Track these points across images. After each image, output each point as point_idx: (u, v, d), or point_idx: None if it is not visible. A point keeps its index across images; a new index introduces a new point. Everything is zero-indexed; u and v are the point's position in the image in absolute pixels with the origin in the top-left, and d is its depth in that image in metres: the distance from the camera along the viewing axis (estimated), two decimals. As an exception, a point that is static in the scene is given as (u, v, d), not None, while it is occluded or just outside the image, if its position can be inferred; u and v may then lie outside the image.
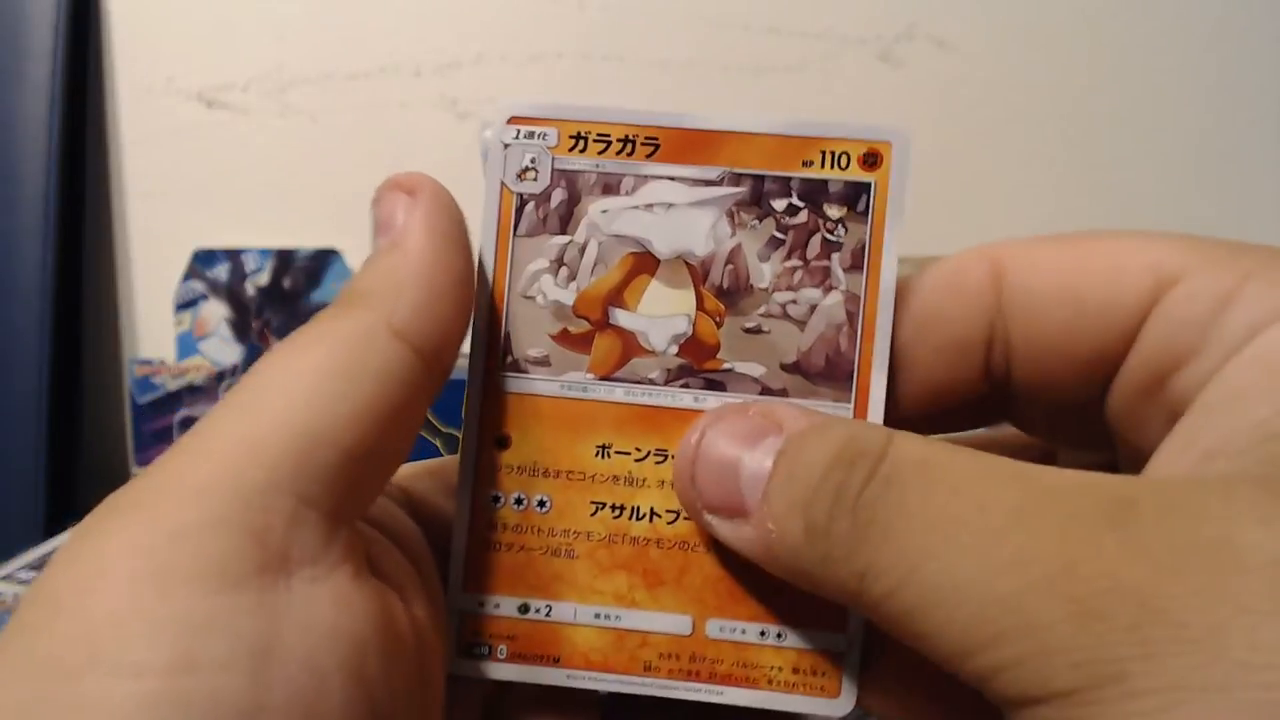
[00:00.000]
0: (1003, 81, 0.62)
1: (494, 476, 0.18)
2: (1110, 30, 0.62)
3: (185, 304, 0.65)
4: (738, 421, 0.16)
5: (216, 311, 0.65)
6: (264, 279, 0.65)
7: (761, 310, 0.18)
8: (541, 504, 0.18)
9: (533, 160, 0.18)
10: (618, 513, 0.18)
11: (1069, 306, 0.16)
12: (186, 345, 0.65)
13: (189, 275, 0.65)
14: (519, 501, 0.18)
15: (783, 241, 0.18)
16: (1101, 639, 0.11)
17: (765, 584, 0.17)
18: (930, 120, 0.63)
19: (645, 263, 0.18)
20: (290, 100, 0.65)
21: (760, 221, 0.18)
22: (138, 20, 0.65)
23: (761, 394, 0.18)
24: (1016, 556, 0.12)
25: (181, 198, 0.66)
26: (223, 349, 0.65)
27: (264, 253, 0.65)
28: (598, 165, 0.18)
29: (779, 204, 0.18)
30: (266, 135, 0.65)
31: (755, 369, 0.18)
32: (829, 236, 0.18)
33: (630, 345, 0.18)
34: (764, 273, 0.18)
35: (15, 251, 0.60)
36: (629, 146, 0.18)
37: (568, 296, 0.18)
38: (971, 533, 0.12)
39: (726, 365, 0.18)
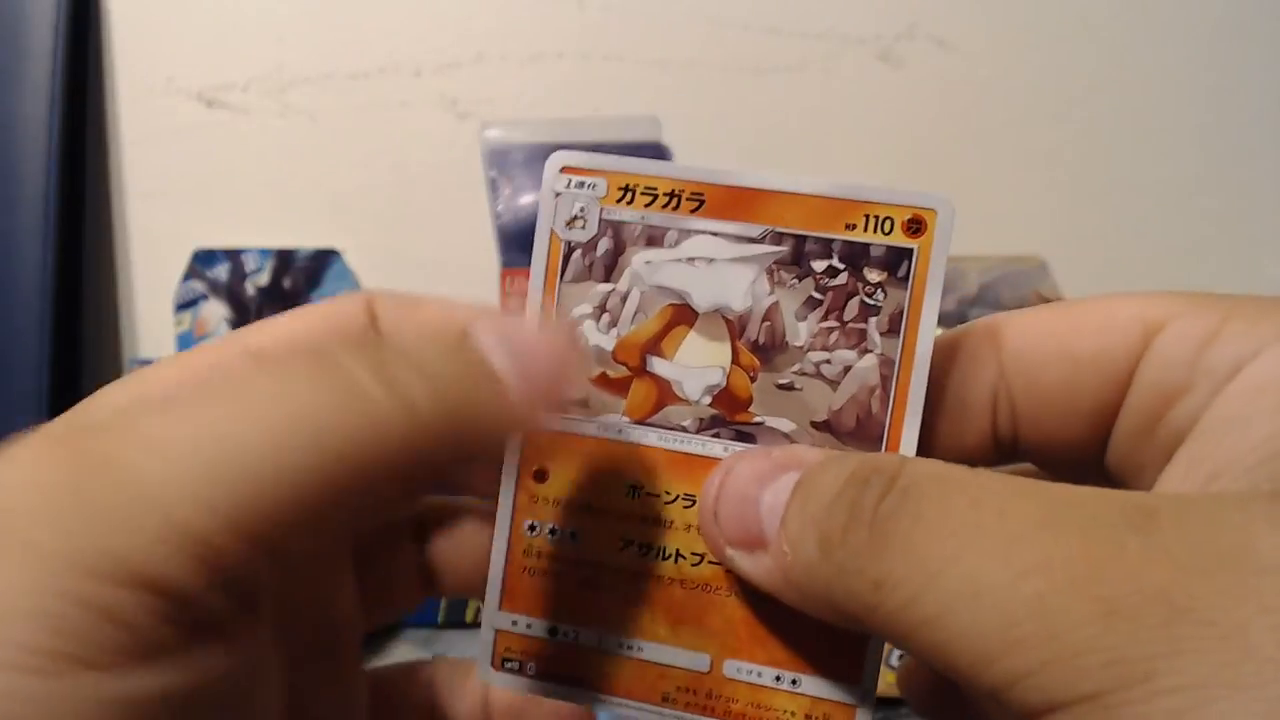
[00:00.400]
0: (1003, 81, 0.62)
1: (531, 506, 0.19)
2: (1111, 30, 0.62)
3: (185, 304, 0.65)
4: (760, 462, 0.16)
5: (216, 311, 0.65)
6: (264, 279, 0.65)
7: (795, 368, 0.18)
8: (574, 536, 0.19)
9: (581, 209, 0.19)
10: (645, 551, 0.19)
11: (1065, 363, 0.17)
12: (186, 345, 0.65)
13: (189, 275, 0.65)
14: (553, 532, 0.19)
15: (820, 302, 0.18)
16: (1130, 637, 0.11)
17: (784, 630, 0.18)
18: (930, 120, 0.63)
19: (684, 314, 0.19)
20: (290, 100, 0.65)
21: (799, 281, 0.18)
22: (138, 20, 0.65)
23: None
24: (1041, 560, 0.12)
25: (181, 197, 0.66)
26: (223, 349, 0.65)
27: (264, 253, 0.65)
28: (643, 217, 0.19)
29: (819, 265, 0.18)
30: (267, 135, 0.65)
31: (785, 424, 0.18)
32: (867, 300, 0.18)
33: (665, 393, 0.19)
34: (800, 331, 0.18)
35: (15, 251, 0.60)
36: (675, 201, 0.19)
37: (608, 342, 0.19)
38: (993, 538, 0.12)
39: (758, 418, 0.18)
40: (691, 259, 0.19)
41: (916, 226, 0.18)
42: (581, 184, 0.19)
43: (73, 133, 0.62)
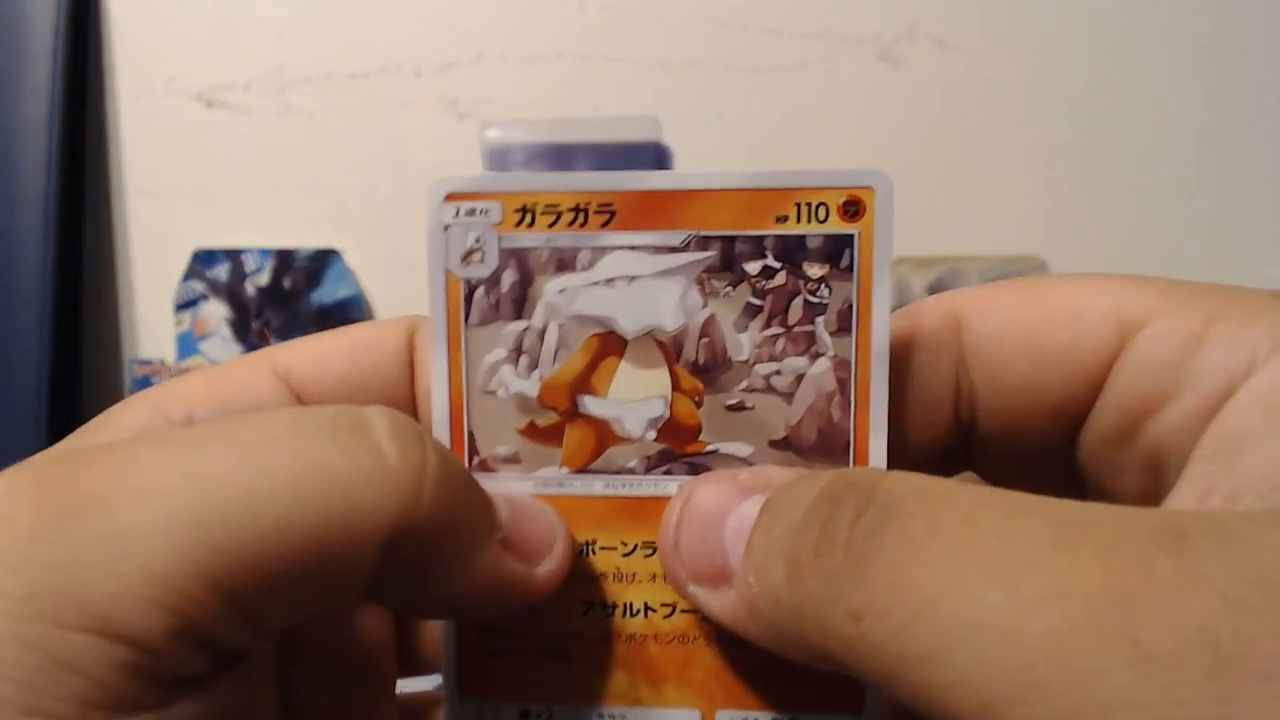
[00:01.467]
0: (1004, 81, 0.62)
1: None
2: (1111, 30, 0.62)
3: (185, 304, 0.65)
4: (724, 486, 0.15)
5: (216, 312, 0.65)
6: (264, 279, 0.65)
7: (743, 385, 0.16)
8: (530, 608, 0.17)
9: (477, 240, 0.17)
10: (609, 611, 0.17)
11: (1031, 356, 0.15)
12: (186, 345, 0.65)
13: (189, 275, 0.65)
14: None
15: (760, 308, 0.16)
16: (1171, 693, 0.09)
17: (773, 670, 0.16)
18: (931, 120, 0.63)
19: (612, 343, 0.17)
20: (290, 100, 0.65)
21: (734, 288, 0.16)
22: (138, 20, 0.65)
23: None
24: (1056, 589, 0.10)
25: (182, 197, 0.66)
26: (223, 349, 0.65)
27: (264, 253, 0.65)
28: (549, 240, 0.17)
29: (753, 266, 0.16)
30: (267, 135, 0.65)
31: (741, 449, 0.16)
32: (811, 298, 0.16)
33: (604, 434, 0.17)
34: (742, 344, 0.16)
35: (15, 251, 0.60)
36: (581, 216, 0.17)
37: (531, 387, 0.17)
38: (996, 562, 0.10)
39: (710, 447, 0.17)
40: (610, 280, 0.17)
41: (854, 209, 0.16)
42: (472, 211, 0.17)
43: (73, 132, 0.62)
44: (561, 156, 0.65)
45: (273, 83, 0.65)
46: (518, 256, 0.17)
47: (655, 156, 0.64)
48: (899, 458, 0.16)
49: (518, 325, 0.17)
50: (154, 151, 0.66)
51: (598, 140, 0.65)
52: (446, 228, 0.17)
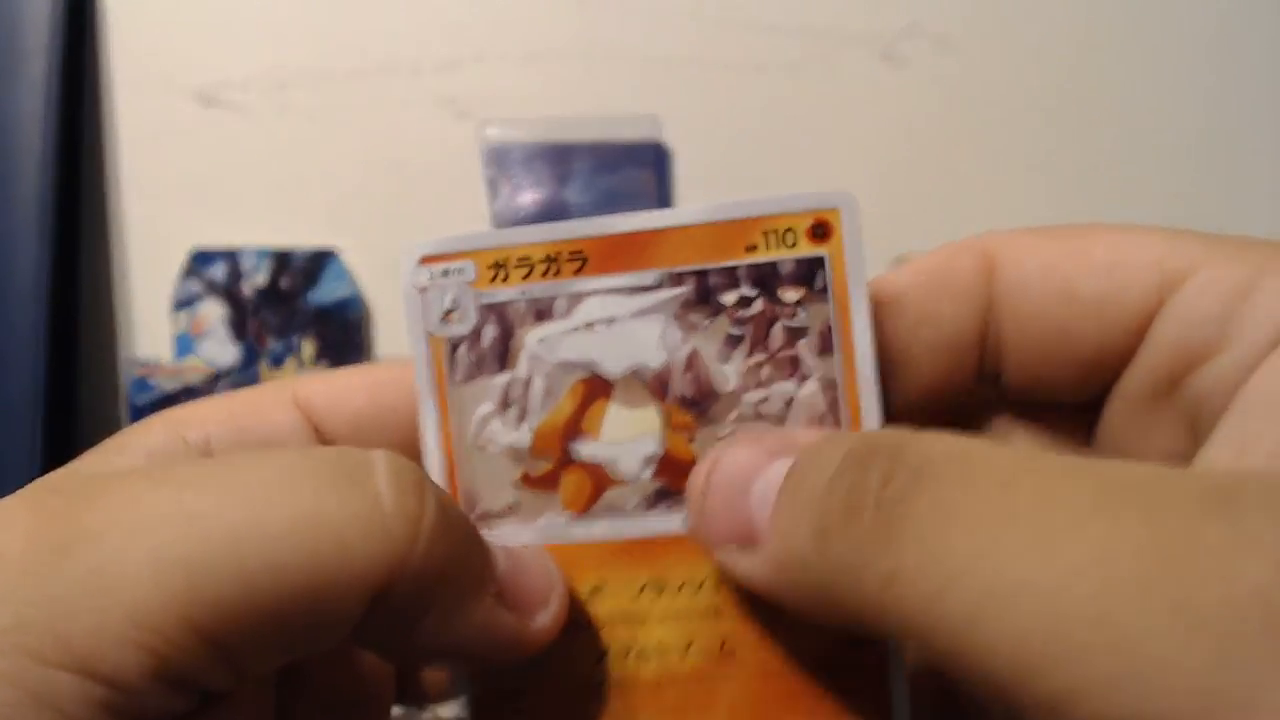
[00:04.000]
0: (1005, 80, 0.62)
1: None
2: (1112, 29, 0.62)
3: (182, 304, 0.65)
4: (750, 449, 0.15)
5: (214, 311, 0.65)
6: (261, 279, 0.65)
7: (734, 415, 0.16)
8: (539, 663, 0.16)
9: (454, 300, 0.17)
10: (623, 657, 0.17)
11: (1067, 305, 0.15)
12: (184, 345, 0.65)
13: (186, 275, 0.65)
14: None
15: (741, 338, 0.17)
16: (1222, 654, 0.09)
17: (793, 694, 0.16)
18: (931, 119, 0.63)
19: (598, 387, 0.17)
20: (288, 99, 0.65)
21: (712, 320, 0.17)
22: (135, 18, 0.65)
23: None
24: (1098, 551, 0.10)
25: (179, 197, 0.66)
26: (220, 349, 0.65)
27: (261, 253, 0.65)
28: (525, 292, 0.17)
29: (729, 297, 0.16)
30: (264, 134, 0.65)
31: None
32: (790, 323, 0.16)
33: (600, 478, 0.17)
34: (728, 374, 0.17)
35: (11, 251, 0.60)
36: (554, 266, 0.17)
37: (522, 438, 0.17)
38: (1035, 527, 0.10)
39: None
40: (589, 324, 0.17)
41: (821, 231, 0.16)
42: (446, 272, 0.17)
43: (69, 131, 0.62)
44: (561, 155, 0.65)
45: (270, 81, 0.65)
46: (496, 311, 0.17)
47: (654, 155, 0.64)
48: (916, 408, 0.16)
49: (503, 378, 0.17)
50: (151, 150, 0.66)
51: (597, 139, 0.65)
52: (423, 290, 0.18)
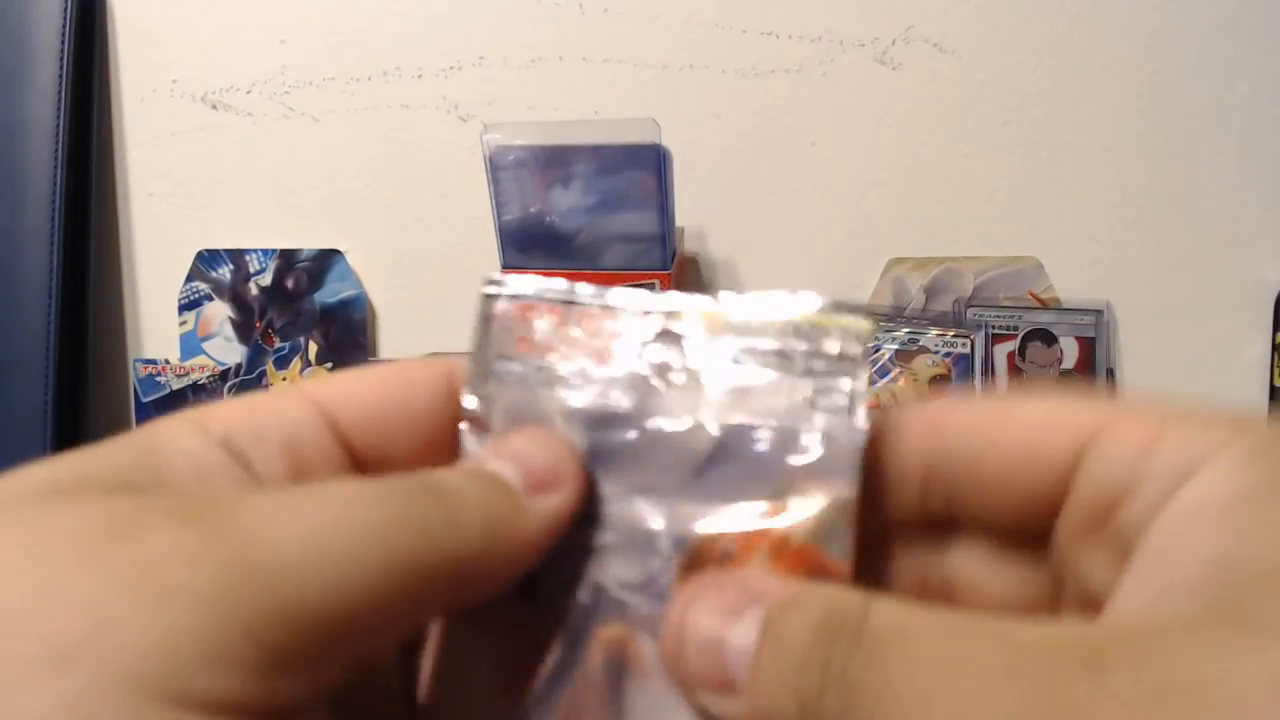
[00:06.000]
0: (999, 84, 0.63)
1: None
2: (1106, 32, 0.62)
3: (189, 304, 0.66)
4: (716, 598, 0.16)
5: (220, 312, 0.66)
6: (267, 279, 0.66)
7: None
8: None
9: None
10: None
11: (1000, 457, 0.17)
12: (190, 345, 0.66)
13: (192, 276, 0.66)
14: None
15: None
16: None
17: None
18: (927, 122, 0.63)
19: None
20: (293, 102, 0.66)
21: None
22: (142, 24, 0.65)
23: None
24: (998, 714, 0.12)
25: (185, 199, 0.67)
26: (226, 349, 0.66)
27: (267, 253, 0.66)
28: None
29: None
30: (270, 137, 0.66)
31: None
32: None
33: None
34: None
35: (22, 252, 0.61)
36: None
37: None
38: (950, 701, 0.13)
39: None
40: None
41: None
42: None
43: (78, 135, 0.63)
44: (562, 158, 0.66)
45: (276, 85, 0.65)
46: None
47: (654, 157, 0.65)
48: (882, 536, 0.18)
49: None
50: (158, 153, 0.67)
51: (598, 142, 0.66)
52: None
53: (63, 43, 0.62)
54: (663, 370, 0.18)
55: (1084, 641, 0.13)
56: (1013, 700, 0.12)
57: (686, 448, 0.17)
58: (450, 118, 0.65)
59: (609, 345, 0.18)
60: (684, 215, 0.60)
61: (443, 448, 0.18)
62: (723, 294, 0.18)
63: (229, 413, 0.17)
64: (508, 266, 0.57)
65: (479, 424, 0.18)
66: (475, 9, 0.64)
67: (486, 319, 0.18)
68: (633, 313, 0.18)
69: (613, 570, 0.17)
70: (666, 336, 0.18)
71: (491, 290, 0.18)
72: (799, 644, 0.15)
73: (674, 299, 0.18)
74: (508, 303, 0.18)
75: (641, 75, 0.64)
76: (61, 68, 0.62)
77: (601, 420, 0.18)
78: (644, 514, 0.17)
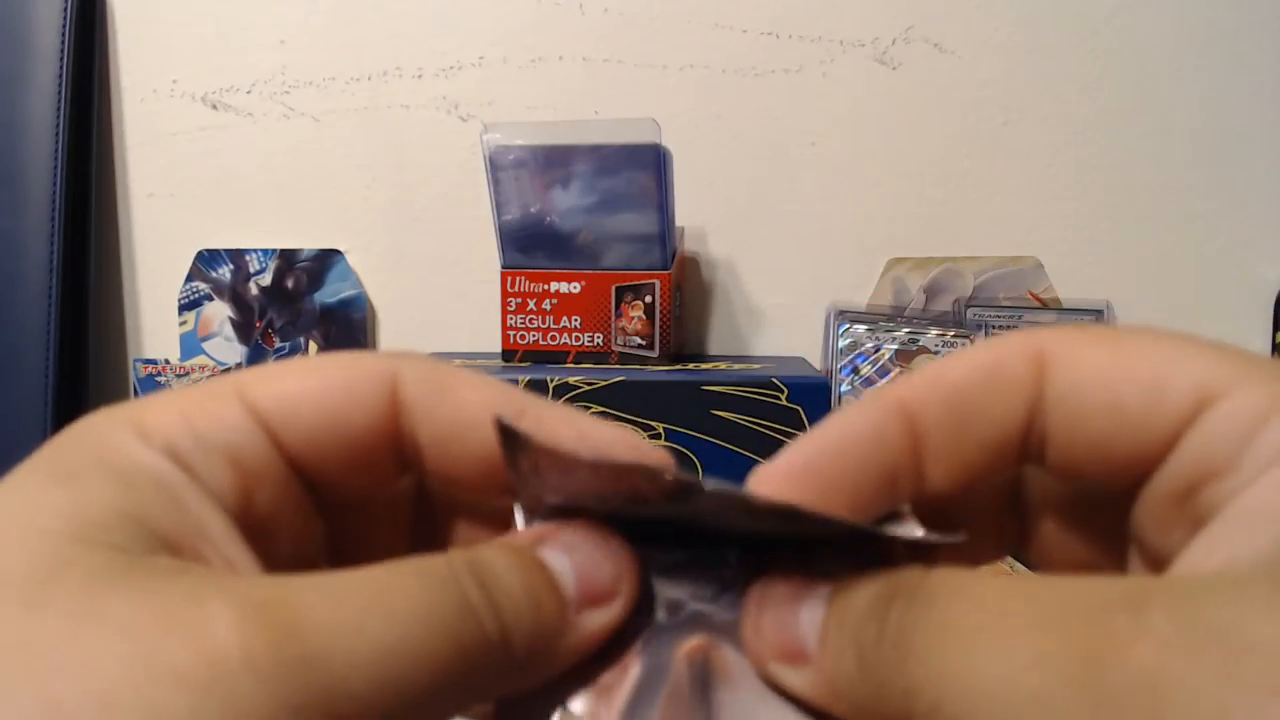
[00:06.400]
0: (999, 83, 0.63)
1: None
2: (1105, 32, 0.62)
3: (189, 304, 0.66)
4: (791, 579, 0.17)
5: (220, 312, 0.66)
6: (267, 279, 0.66)
7: None
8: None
9: None
10: None
11: (1112, 415, 0.16)
12: (190, 345, 0.66)
13: (192, 276, 0.66)
14: None
15: None
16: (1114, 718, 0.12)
17: None
18: (927, 122, 0.63)
19: None
20: (293, 103, 0.66)
21: None
22: (142, 24, 0.65)
23: None
24: (1039, 655, 0.13)
25: (185, 199, 0.67)
26: (226, 349, 0.66)
27: (267, 253, 0.66)
28: None
29: None
30: (270, 137, 0.66)
31: None
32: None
33: None
34: None
35: (22, 252, 0.61)
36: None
37: None
38: (996, 639, 0.13)
39: None
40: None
41: None
42: None
43: (78, 135, 0.63)
44: (562, 158, 0.66)
45: (276, 85, 0.65)
46: None
47: (654, 157, 0.65)
48: (958, 486, 0.17)
49: None
50: (158, 154, 0.67)
51: (598, 142, 0.66)
52: None
53: (63, 43, 0.62)
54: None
55: (1130, 589, 0.13)
56: (1054, 635, 0.13)
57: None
58: (450, 118, 0.65)
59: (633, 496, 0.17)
60: (684, 215, 0.60)
61: (381, 456, 0.17)
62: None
63: (165, 419, 0.16)
64: (508, 266, 0.57)
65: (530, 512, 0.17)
66: (475, 9, 0.64)
67: (515, 465, 0.17)
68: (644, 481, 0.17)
69: (687, 585, 0.18)
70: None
71: (511, 441, 0.17)
72: (861, 607, 0.15)
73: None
74: (526, 453, 0.17)
75: (641, 75, 0.64)
76: (61, 68, 0.62)
77: (647, 525, 0.17)
78: (711, 539, 0.18)
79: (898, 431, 0.17)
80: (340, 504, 0.18)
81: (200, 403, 0.16)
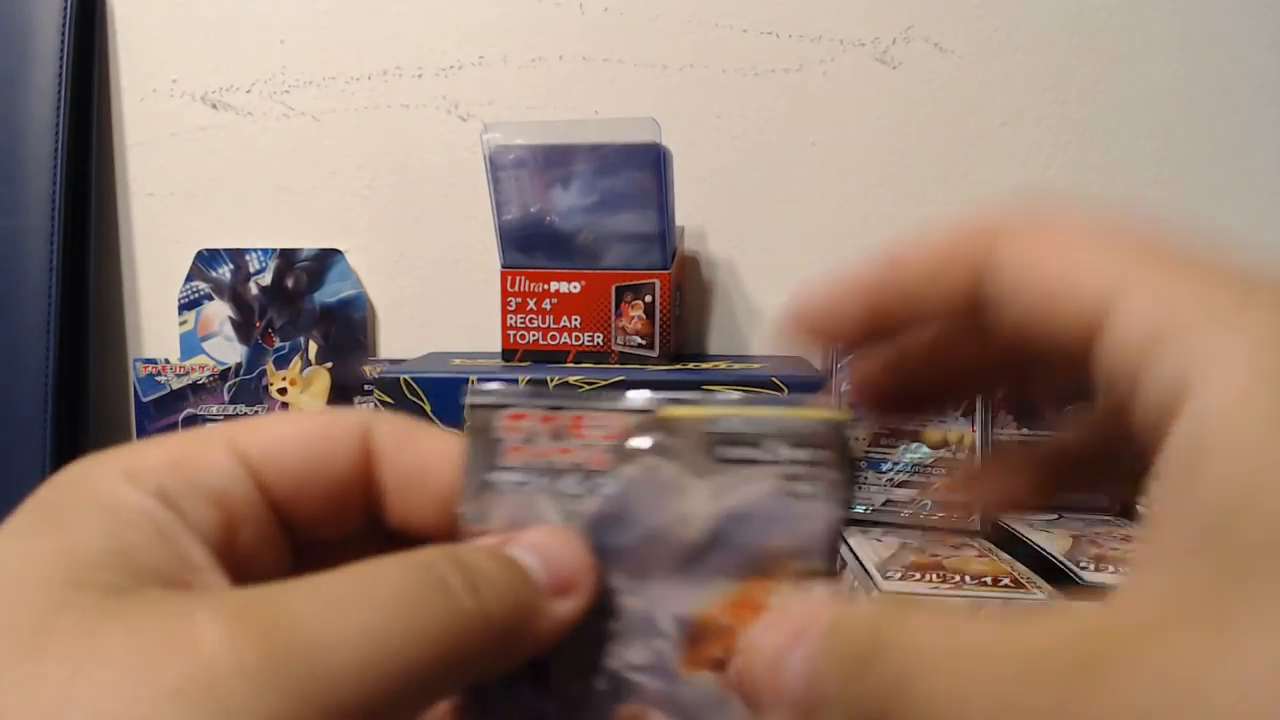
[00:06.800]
0: (999, 83, 0.63)
1: None
2: (1105, 32, 0.62)
3: (189, 304, 0.66)
4: (777, 632, 0.17)
5: (220, 311, 0.66)
6: (267, 279, 0.66)
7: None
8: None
9: None
10: None
11: (1037, 303, 0.18)
12: (190, 345, 0.66)
13: (192, 275, 0.66)
14: None
15: None
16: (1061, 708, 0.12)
17: None
18: (927, 121, 0.63)
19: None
20: (293, 102, 0.66)
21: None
22: (142, 23, 0.65)
23: None
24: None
25: (185, 199, 0.67)
26: (226, 349, 0.66)
27: (267, 253, 0.66)
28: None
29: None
30: (270, 137, 0.66)
31: None
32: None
33: None
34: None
35: (22, 252, 0.61)
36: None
37: None
38: (959, 707, 0.14)
39: None
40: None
41: None
42: None
43: (78, 134, 0.63)
44: (562, 158, 0.66)
45: (276, 85, 0.65)
46: None
47: (654, 157, 0.65)
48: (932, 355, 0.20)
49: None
50: (158, 153, 0.67)
51: (598, 141, 0.66)
52: None
53: (63, 42, 0.62)
54: (652, 469, 0.18)
55: (1086, 651, 0.13)
56: (1015, 703, 0.13)
57: (679, 541, 0.18)
58: (450, 117, 0.65)
59: (599, 448, 0.18)
60: (684, 215, 0.60)
61: (353, 499, 0.19)
62: (707, 392, 0.18)
63: (156, 463, 0.17)
64: (508, 266, 0.57)
65: (478, 536, 0.18)
66: (475, 9, 0.64)
67: (477, 431, 0.19)
68: (619, 414, 0.18)
69: (623, 654, 0.18)
70: (652, 433, 0.18)
71: (478, 400, 0.19)
72: (841, 667, 0.15)
73: (658, 400, 0.18)
74: (496, 413, 0.19)
75: (641, 75, 0.64)
76: (61, 67, 0.62)
77: (599, 522, 0.18)
78: (644, 601, 0.18)
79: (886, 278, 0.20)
80: (311, 544, 0.19)
81: (191, 449, 0.18)
